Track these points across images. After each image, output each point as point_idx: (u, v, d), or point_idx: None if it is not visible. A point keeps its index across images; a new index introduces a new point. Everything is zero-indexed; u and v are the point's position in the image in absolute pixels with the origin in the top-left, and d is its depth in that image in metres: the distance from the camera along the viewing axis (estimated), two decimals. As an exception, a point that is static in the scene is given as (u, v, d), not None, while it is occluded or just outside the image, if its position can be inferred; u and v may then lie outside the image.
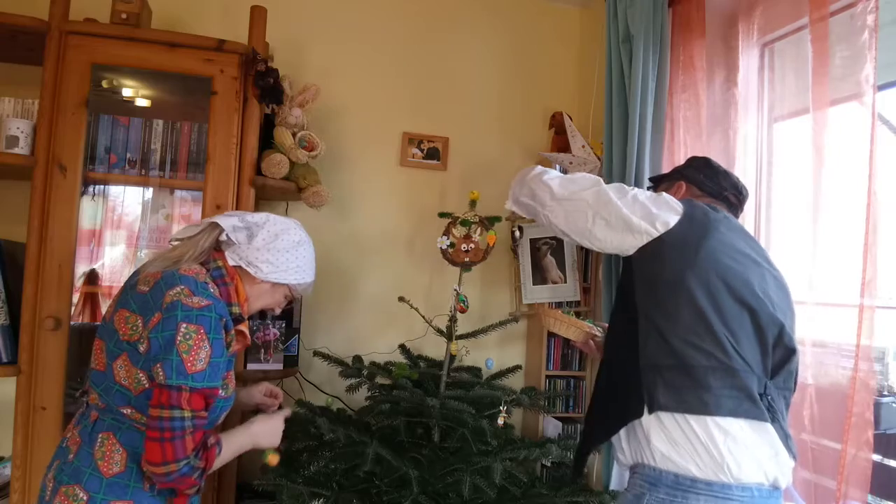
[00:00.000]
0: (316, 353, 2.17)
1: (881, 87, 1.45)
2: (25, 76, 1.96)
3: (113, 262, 2.08)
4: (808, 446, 1.47)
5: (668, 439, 1.19)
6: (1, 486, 1.82)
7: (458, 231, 2.05)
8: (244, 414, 1.64)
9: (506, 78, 2.67)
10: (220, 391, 1.20)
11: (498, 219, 2.06)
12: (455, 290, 2.02)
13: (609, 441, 1.37)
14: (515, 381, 2.39)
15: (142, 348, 1.14)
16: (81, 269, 1.90)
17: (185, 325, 1.12)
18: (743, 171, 1.80)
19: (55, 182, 1.76)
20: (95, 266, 2.02)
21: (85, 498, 1.14)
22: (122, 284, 1.28)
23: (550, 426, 2.35)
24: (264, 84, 1.94)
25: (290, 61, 2.34)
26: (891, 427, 1.64)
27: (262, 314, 2.12)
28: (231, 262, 1.30)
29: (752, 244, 1.33)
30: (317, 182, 2.14)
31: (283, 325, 2.09)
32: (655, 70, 1.95)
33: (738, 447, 1.15)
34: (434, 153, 2.57)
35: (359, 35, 2.51)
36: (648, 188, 1.73)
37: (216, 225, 1.30)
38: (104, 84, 2.01)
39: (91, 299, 2.01)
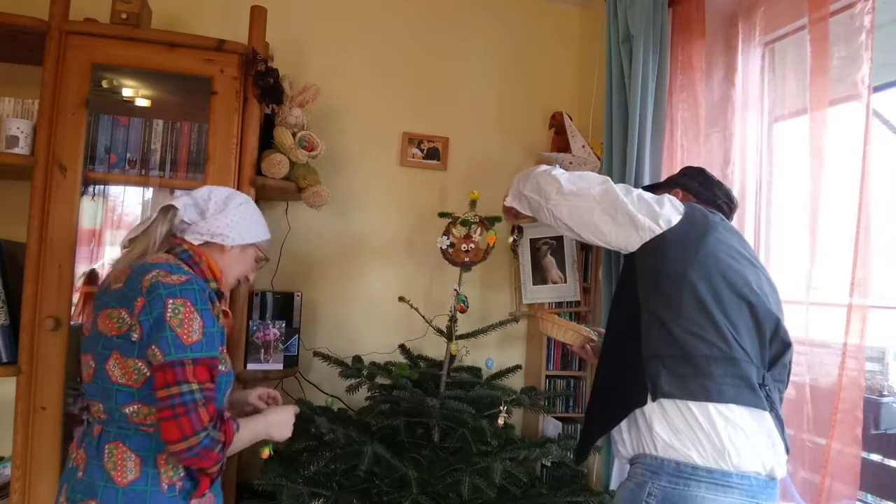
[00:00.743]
0: (316, 353, 2.17)
1: (882, 87, 1.45)
2: (25, 76, 1.96)
3: (113, 262, 2.07)
4: (806, 445, 1.48)
5: (670, 426, 1.22)
6: (1, 486, 1.82)
7: (459, 231, 2.05)
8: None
9: (506, 78, 2.67)
10: (220, 365, 1.20)
11: (498, 219, 2.06)
12: (455, 290, 2.02)
13: (608, 438, 1.38)
14: (515, 381, 2.39)
15: (135, 336, 1.13)
16: (81, 269, 1.90)
17: (171, 301, 1.12)
18: (741, 172, 1.80)
19: (55, 182, 1.76)
20: (95, 266, 2.01)
21: None
22: (96, 294, 1.26)
23: (550, 426, 2.35)
24: (264, 84, 1.94)
25: (290, 61, 2.34)
26: (891, 427, 1.64)
27: (261, 315, 2.13)
28: (196, 242, 1.30)
29: (745, 246, 1.38)
30: (317, 182, 2.14)
31: (283, 325, 2.09)
32: (655, 70, 1.96)
33: (738, 434, 1.19)
34: (434, 153, 2.57)
35: (359, 35, 2.51)
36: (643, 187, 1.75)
37: (169, 207, 1.29)
38: (104, 84, 2.01)
39: (91, 299, 2.01)
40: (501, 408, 1.89)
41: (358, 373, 2.08)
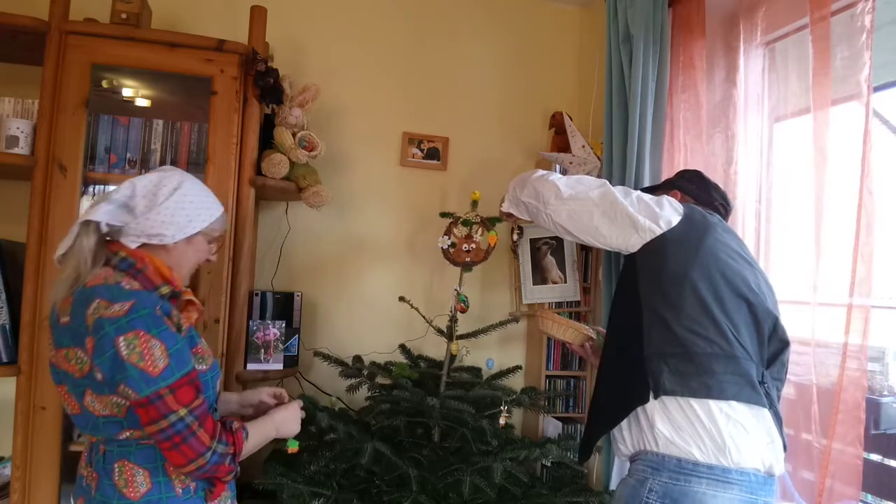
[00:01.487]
0: (316, 353, 2.17)
1: (883, 87, 1.45)
2: (25, 76, 1.96)
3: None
4: (813, 446, 1.48)
5: (671, 423, 1.24)
6: (1, 486, 1.82)
7: (460, 231, 2.05)
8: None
9: (506, 78, 2.67)
10: (198, 365, 1.16)
11: (499, 219, 2.06)
12: (456, 290, 2.02)
13: (608, 438, 1.39)
14: (515, 381, 2.39)
15: (98, 377, 1.07)
16: (81, 269, 1.90)
17: (122, 338, 1.04)
18: (743, 171, 1.80)
19: (55, 182, 1.76)
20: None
21: None
22: (49, 324, 1.18)
23: (550, 426, 2.35)
24: (264, 84, 1.94)
25: (290, 61, 2.34)
26: (891, 427, 1.64)
27: (261, 315, 2.13)
28: (133, 245, 1.18)
29: (742, 246, 1.40)
30: (317, 182, 2.14)
31: (283, 324, 2.09)
32: (655, 70, 1.96)
33: (738, 431, 1.20)
34: (434, 153, 2.57)
35: (359, 35, 2.51)
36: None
37: (88, 222, 1.16)
38: (104, 84, 2.01)
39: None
40: (502, 408, 1.89)
41: (358, 373, 2.08)
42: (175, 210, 1.20)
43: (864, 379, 1.36)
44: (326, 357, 2.12)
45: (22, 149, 1.78)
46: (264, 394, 1.51)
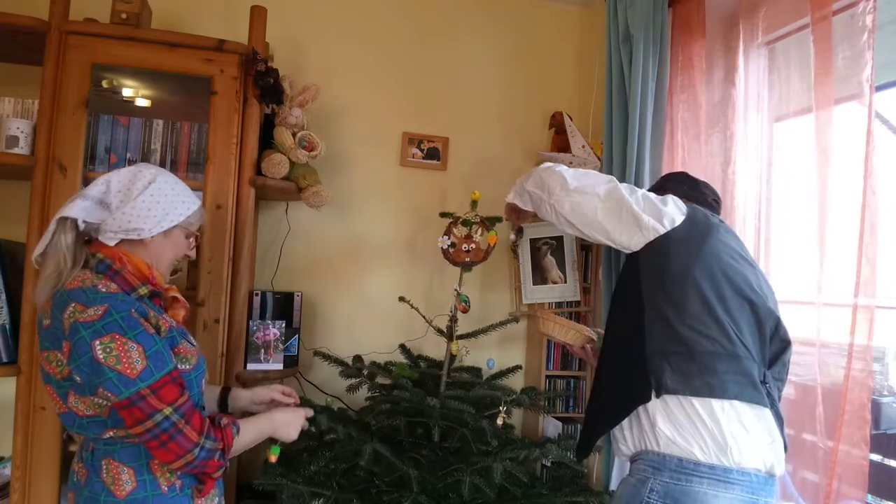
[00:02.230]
0: (316, 353, 2.17)
1: (883, 87, 1.45)
2: (25, 76, 1.96)
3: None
4: (818, 447, 1.48)
5: (673, 422, 1.24)
6: (1, 486, 1.82)
7: (460, 231, 2.05)
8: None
9: (506, 78, 2.67)
10: (181, 365, 1.16)
11: (499, 219, 2.06)
12: (456, 290, 2.02)
13: (608, 438, 1.38)
14: (515, 381, 2.39)
15: (78, 379, 1.07)
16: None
17: (97, 342, 1.03)
18: (743, 171, 1.80)
19: (55, 182, 1.76)
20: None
21: None
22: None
23: (550, 426, 2.35)
24: (264, 84, 1.94)
25: (290, 61, 2.34)
26: (891, 427, 1.64)
27: (261, 315, 2.13)
28: (111, 243, 1.17)
29: (743, 247, 1.40)
30: (317, 182, 2.14)
31: (283, 325, 2.09)
32: (655, 70, 1.96)
33: (740, 431, 1.20)
34: (434, 153, 2.57)
35: (359, 35, 2.51)
36: None
37: (65, 218, 1.14)
38: (104, 84, 2.01)
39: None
40: (501, 408, 1.89)
41: (358, 373, 2.08)
42: (151, 203, 1.20)
43: (869, 380, 1.35)
44: (326, 357, 2.12)
45: (22, 149, 1.78)
46: (276, 391, 1.51)
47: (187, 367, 1.18)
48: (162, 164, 1.95)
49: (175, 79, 1.98)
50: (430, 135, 2.56)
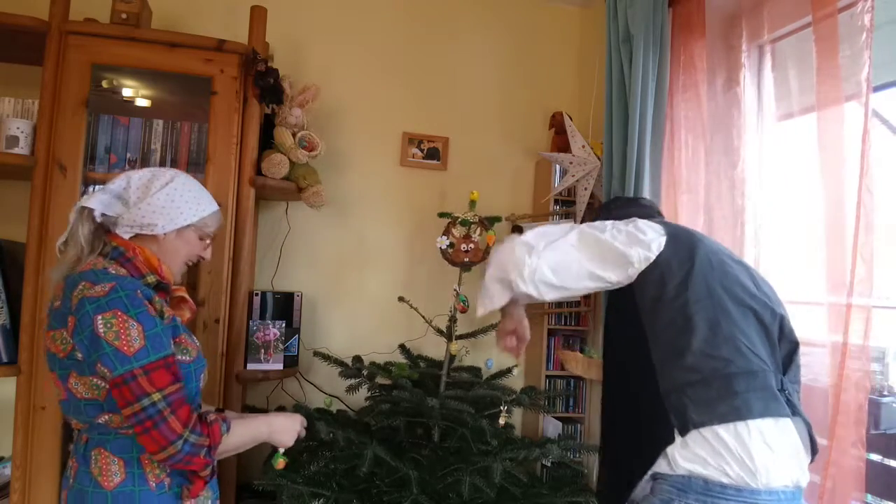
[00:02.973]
0: (316, 354, 2.17)
1: (883, 87, 1.45)
2: (25, 76, 1.96)
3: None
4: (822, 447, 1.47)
5: (693, 459, 1.17)
6: (1, 486, 1.82)
7: (458, 231, 2.05)
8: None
9: (506, 78, 2.67)
10: (181, 355, 1.16)
11: (498, 219, 2.06)
12: (455, 290, 2.02)
13: (607, 438, 1.36)
14: (515, 381, 2.39)
15: (79, 356, 1.10)
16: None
17: (100, 317, 1.07)
18: (751, 170, 1.79)
19: (55, 182, 1.76)
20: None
21: None
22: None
23: (550, 426, 2.35)
24: (264, 84, 1.94)
25: (290, 61, 2.34)
26: (891, 427, 1.64)
27: (261, 315, 2.13)
28: (126, 236, 1.21)
29: (725, 248, 1.36)
30: (317, 182, 2.14)
31: (283, 325, 2.09)
32: (655, 70, 1.95)
33: (766, 451, 1.15)
34: (434, 153, 2.57)
35: (359, 35, 2.51)
36: None
37: (83, 208, 1.19)
38: (104, 84, 2.01)
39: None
40: (502, 408, 1.89)
41: (358, 373, 2.08)
42: (166, 201, 1.23)
43: (866, 380, 1.34)
44: (326, 357, 2.12)
45: (22, 149, 1.78)
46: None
47: (187, 358, 1.19)
48: (162, 164, 1.95)
49: (175, 79, 1.98)
50: (430, 135, 2.56)
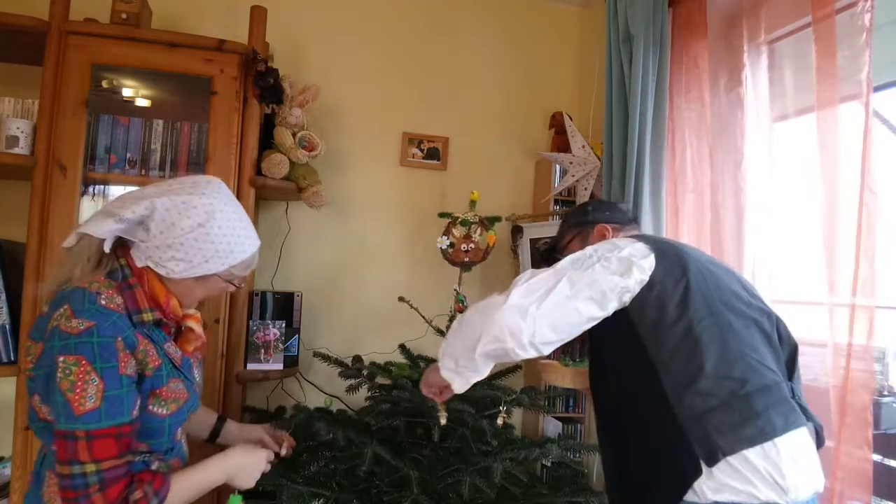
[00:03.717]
0: (316, 354, 2.17)
1: (884, 87, 1.44)
2: (25, 76, 1.96)
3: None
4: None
5: (723, 488, 1.11)
6: (1, 486, 1.82)
7: (458, 231, 2.05)
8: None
9: (506, 78, 2.67)
10: (157, 408, 1.05)
11: (498, 219, 2.06)
12: (455, 290, 2.02)
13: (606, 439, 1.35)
14: (515, 381, 2.39)
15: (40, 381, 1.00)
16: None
17: (62, 358, 0.94)
18: (754, 170, 1.79)
19: (55, 182, 1.76)
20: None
21: None
22: None
23: (550, 426, 2.35)
24: (264, 84, 1.94)
25: (290, 61, 2.34)
26: (891, 427, 1.64)
27: (261, 315, 2.13)
28: (138, 263, 1.07)
29: (703, 253, 1.34)
30: (317, 182, 2.14)
31: (283, 325, 2.09)
32: (655, 70, 1.95)
33: (793, 466, 1.12)
34: (434, 153, 2.57)
35: (359, 35, 2.51)
36: (544, 251, 1.69)
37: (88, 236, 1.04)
38: (104, 84, 2.01)
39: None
40: (501, 407, 1.88)
41: (358, 373, 2.08)
42: (190, 249, 1.06)
43: (870, 380, 1.34)
44: (326, 357, 2.12)
45: (22, 149, 1.78)
46: (266, 434, 1.47)
47: (164, 411, 1.07)
48: (162, 164, 1.95)
49: (175, 79, 1.98)
50: (430, 135, 2.56)
